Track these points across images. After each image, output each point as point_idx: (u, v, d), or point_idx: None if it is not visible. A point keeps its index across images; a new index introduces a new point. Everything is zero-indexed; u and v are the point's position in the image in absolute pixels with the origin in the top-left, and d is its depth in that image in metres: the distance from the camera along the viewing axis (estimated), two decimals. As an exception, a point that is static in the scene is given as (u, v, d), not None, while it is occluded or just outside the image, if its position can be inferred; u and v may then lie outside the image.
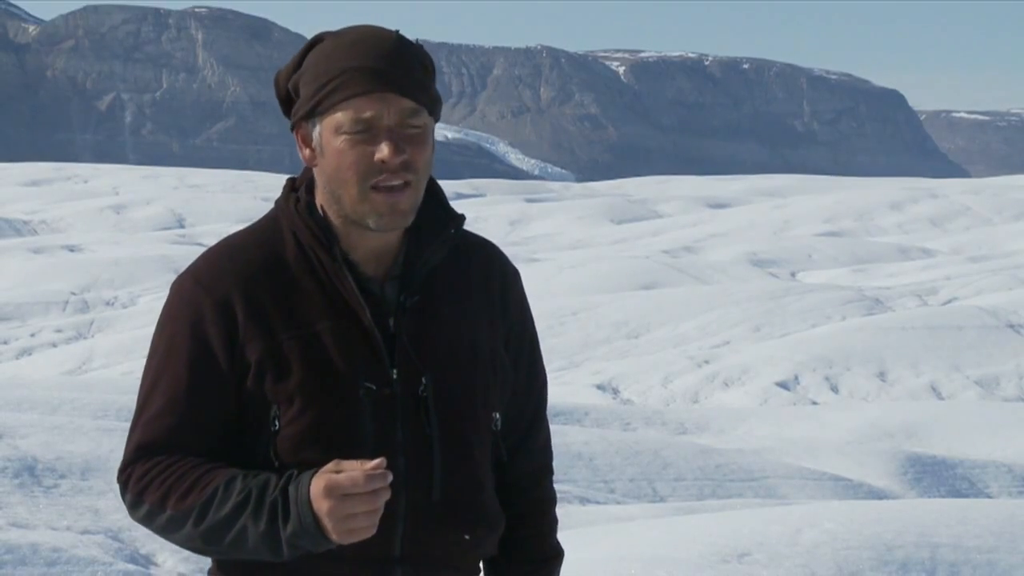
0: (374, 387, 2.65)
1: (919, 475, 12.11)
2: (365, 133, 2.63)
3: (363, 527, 2.48)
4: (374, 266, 2.71)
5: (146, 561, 7.10)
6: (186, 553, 7.12)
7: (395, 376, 2.67)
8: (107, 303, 27.32)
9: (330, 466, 2.49)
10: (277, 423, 2.64)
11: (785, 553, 6.97)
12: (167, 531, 2.62)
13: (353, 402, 2.64)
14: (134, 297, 27.88)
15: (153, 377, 2.69)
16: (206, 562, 7.12)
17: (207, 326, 2.65)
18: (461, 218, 2.78)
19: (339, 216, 2.69)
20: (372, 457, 2.55)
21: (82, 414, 10.42)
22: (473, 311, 2.76)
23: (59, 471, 8.13)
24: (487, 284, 2.80)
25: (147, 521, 2.64)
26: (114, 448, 8.66)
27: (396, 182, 2.63)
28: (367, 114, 2.62)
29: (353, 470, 2.46)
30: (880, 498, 11.08)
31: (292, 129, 2.75)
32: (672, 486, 11.13)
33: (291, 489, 2.52)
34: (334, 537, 2.49)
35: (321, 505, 2.47)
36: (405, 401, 2.67)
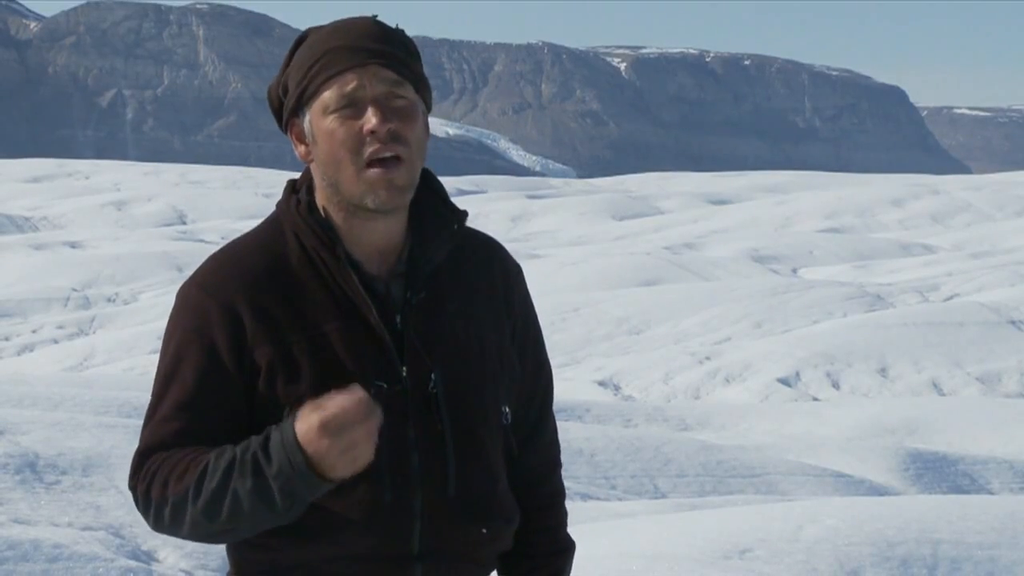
0: (384, 385, 2.66)
1: (920, 471, 12.11)
2: (351, 108, 2.65)
3: (364, 455, 2.48)
4: (377, 264, 2.71)
5: (148, 557, 7.10)
6: (188, 549, 7.12)
7: (404, 374, 2.67)
8: (108, 299, 27.33)
9: (309, 406, 2.48)
10: None
11: (786, 549, 6.97)
12: (176, 522, 2.60)
13: None
14: (135, 293, 27.89)
15: (161, 385, 2.69)
16: (207, 559, 7.12)
17: (214, 331, 2.66)
18: (463, 214, 2.79)
19: (340, 209, 2.69)
20: (386, 460, 2.59)
21: (83, 410, 10.42)
22: (478, 307, 2.77)
23: (60, 467, 8.13)
24: (490, 280, 2.81)
25: (159, 520, 2.62)
26: (116, 444, 8.67)
27: (387, 154, 2.64)
28: (350, 87, 2.64)
29: (335, 403, 2.46)
30: (881, 494, 11.08)
31: (286, 130, 2.75)
32: (673, 482, 11.14)
33: (274, 436, 2.51)
34: (336, 472, 2.48)
35: (320, 444, 2.46)
36: (415, 399, 2.68)
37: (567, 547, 2.91)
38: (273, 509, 2.52)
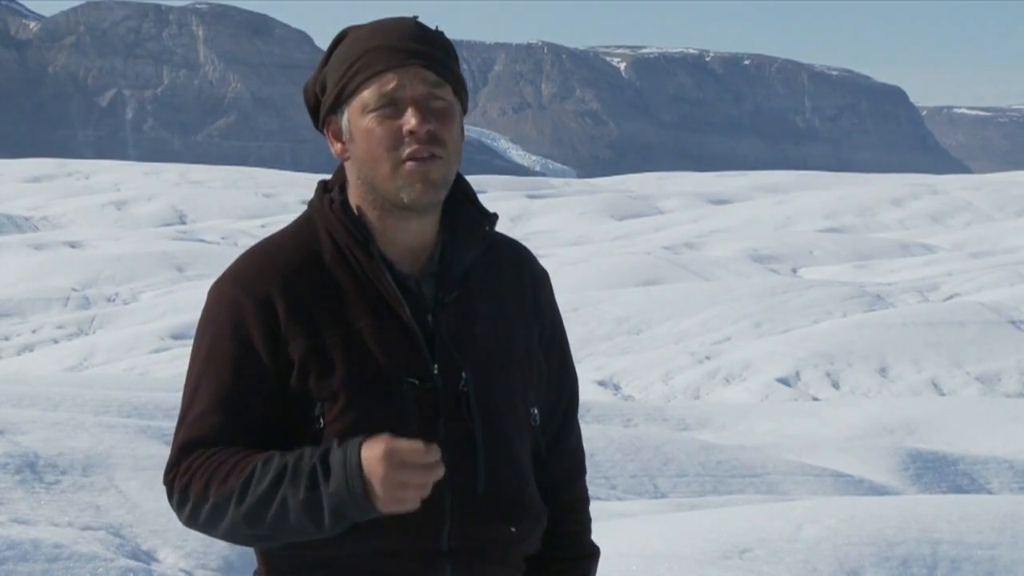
0: (417, 382, 2.68)
1: (920, 471, 12.11)
2: (391, 107, 2.67)
3: (410, 499, 2.50)
4: (410, 263, 2.73)
5: (147, 557, 7.10)
6: (188, 548, 7.13)
7: (436, 372, 2.69)
8: (108, 299, 27.35)
9: (383, 436, 2.51)
10: (322, 420, 2.66)
11: (786, 549, 6.98)
12: (213, 522, 2.62)
13: (397, 398, 2.67)
14: (135, 293, 27.91)
15: (195, 381, 2.70)
16: (207, 559, 7.12)
17: (249, 325, 2.67)
18: (494, 216, 2.81)
19: (375, 207, 2.71)
20: None
21: (83, 410, 10.43)
22: (507, 309, 2.79)
23: (60, 467, 8.14)
24: (519, 283, 2.83)
25: (193, 517, 2.64)
26: (116, 444, 8.67)
27: (425, 154, 2.66)
28: (390, 86, 2.66)
29: (408, 442, 2.49)
30: (881, 494, 11.09)
31: (322, 128, 2.77)
32: (673, 482, 11.14)
33: (336, 454, 2.53)
34: (380, 504, 2.50)
35: (376, 469, 2.48)
36: (446, 397, 2.70)
37: (592, 552, 2.93)
38: (319, 525, 2.55)
